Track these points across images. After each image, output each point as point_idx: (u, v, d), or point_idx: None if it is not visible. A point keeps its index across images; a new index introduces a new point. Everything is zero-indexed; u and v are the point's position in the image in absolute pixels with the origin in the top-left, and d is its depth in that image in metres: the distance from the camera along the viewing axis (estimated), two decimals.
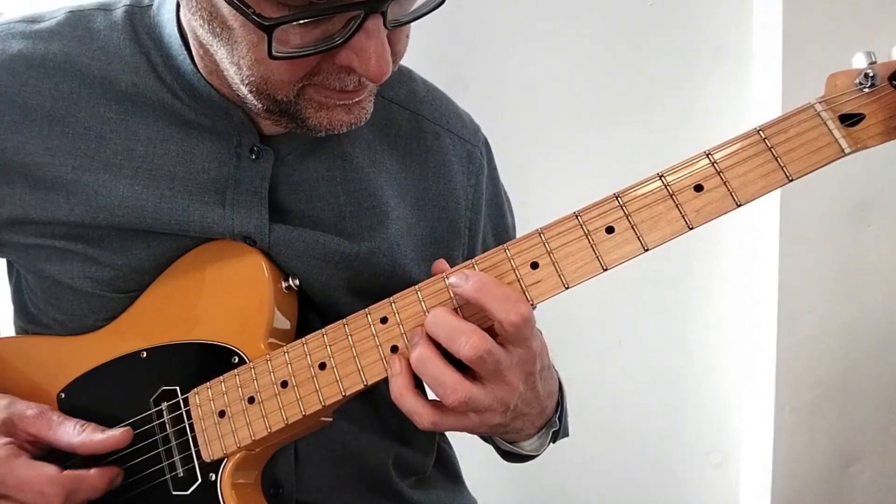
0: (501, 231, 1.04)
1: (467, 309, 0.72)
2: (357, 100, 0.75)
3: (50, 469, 0.77)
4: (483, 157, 1.00)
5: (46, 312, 0.89)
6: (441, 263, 0.78)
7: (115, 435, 0.81)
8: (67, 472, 0.77)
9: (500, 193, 1.05)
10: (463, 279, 0.69)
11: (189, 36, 0.81)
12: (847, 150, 0.67)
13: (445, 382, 0.69)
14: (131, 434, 0.82)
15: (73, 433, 0.80)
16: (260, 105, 0.75)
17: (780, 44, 1.64)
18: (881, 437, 1.86)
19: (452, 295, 0.72)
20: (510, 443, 0.86)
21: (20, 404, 0.82)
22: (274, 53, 0.65)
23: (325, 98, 0.74)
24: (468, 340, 0.67)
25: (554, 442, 0.90)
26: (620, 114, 1.76)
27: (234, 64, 0.71)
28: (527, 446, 0.86)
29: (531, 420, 0.81)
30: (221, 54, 0.72)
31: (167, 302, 0.86)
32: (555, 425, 0.87)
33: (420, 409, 0.72)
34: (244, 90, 0.74)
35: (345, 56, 0.68)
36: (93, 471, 0.79)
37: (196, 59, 0.82)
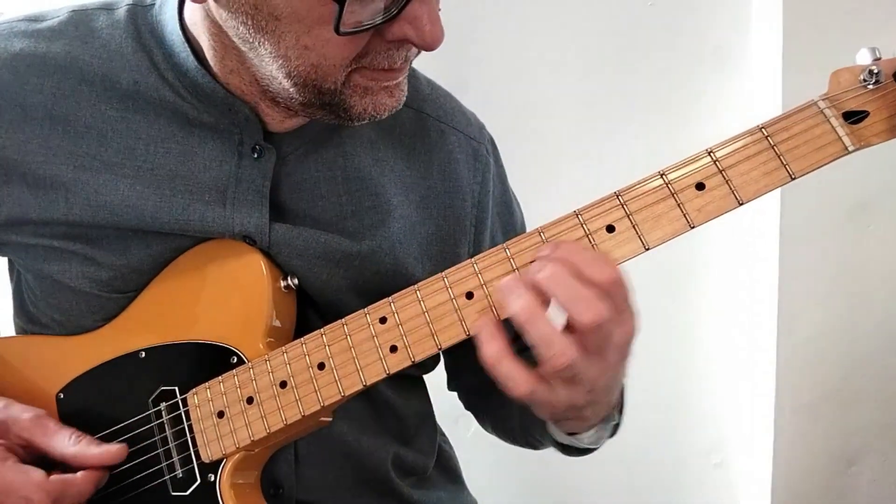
0: (510, 229, 1.03)
1: None
2: (397, 81, 0.76)
3: (37, 474, 0.76)
4: (489, 155, 1.00)
5: (45, 312, 0.89)
6: None
7: (109, 450, 0.80)
8: (54, 478, 0.77)
9: (508, 191, 1.04)
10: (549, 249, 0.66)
11: (205, 35, 0.80)
12: (851, 148, 0.66)
13: (555, 342, 0.63)
14: (126, 450, 0.81)
15: (68, 444, 0.80)
16: (300, 98, 0.75)
17: (780, 43, 1.64)
18: (881, 437, 1.86)
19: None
20: (569, 433, 0.82)
21: (16, 408, 0.81)
22: (342, 29, 0.66)
23: (371, 82, 0.74)
24: (593, 305, 0.63)
25: (611, 437, 0.86)
26: (620, 113, 1.76)
27: (280, 57, 0.71)
28: (585, 438, 0.82)
29: (600, 409, 0.76)
30: (264, 50, 0.71)
31: (166, 302, 0.86)
32: (614, 419, 0.83)
33: (519, 375, 0.66)
34: (286, 84, 0.73)
35: (398, 28, 0.69)
36: (79, 475, 0.79)
37: (210, 58, 0.81)
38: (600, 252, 0.67)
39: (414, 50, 0.74)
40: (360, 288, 0.88)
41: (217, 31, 0.77)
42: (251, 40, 0.72)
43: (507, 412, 0.97)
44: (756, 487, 1.85)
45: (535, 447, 0.96)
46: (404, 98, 0.79)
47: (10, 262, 0.96)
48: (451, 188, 0.94)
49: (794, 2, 1.64)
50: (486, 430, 1.09)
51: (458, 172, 0.95)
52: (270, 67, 0.73)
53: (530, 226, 1.04)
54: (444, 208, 0.94)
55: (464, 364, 1.04)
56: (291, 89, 0.74)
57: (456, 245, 0.95)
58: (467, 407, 1.10)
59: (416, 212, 0.92)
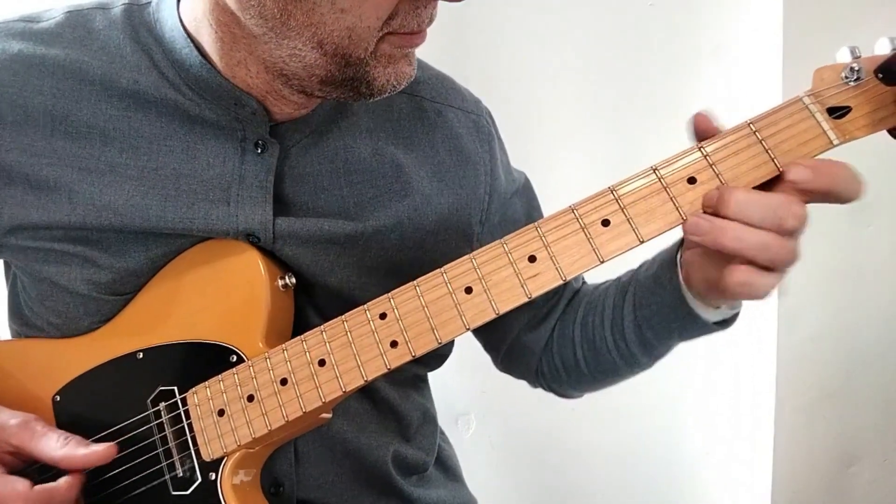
0: (517, 191, 1.03)
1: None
2: (415, 48, 0.78)
3: (20, 484, 0.75)
4: (490, 125, 1.01)
5: (41, 315, 0.89)
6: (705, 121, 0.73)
7: (97, 451, 0.79)
8: (38, 488, 0.76)
9: (507, 159, 1.05)
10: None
11: (210, 28, 0.79)
12: (835, 142, 0.68)
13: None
14: (115, 450, 0.80)
15: (56, 446, 0.79)
16: (323, 73, 0.75)
17: (779, 43, 1.65)
18: (881, 437, 1.86)
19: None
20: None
21: (4, 414, 0.80)
22: None
23: (396, 49, 0.75)
24: (794, 210, 0.66)
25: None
26: (620, 113, 1.77)
27: (311, 26, 0.71)
28: (725, 307, 0.82)
29: None
30: (294, 22, 0.71)
31: (163, 302, 0.86)
32: None
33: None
34: (312, 57, 0.74)
35: None
36: (62, 482, 0.78)
37: (214, 52, 0.81)
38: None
39: (436, 9, 0.75)
40: (367, 265, 0.89)
41: (227, 19, 0.76)
42: (278, 15, 0.71)
43: (599, 345, 0.94)
44: (756, 487, 1.85)
45: (645, 363, 0.93)
46: (416, 66, 0.81)
47: (6, 265, 0.96)
48: (460, 161, 0.95)
49: (794, 2, 1.64)
50: (565, 389, 1.04)
51: (464, 146, 0.96)
52: (296, 42, 0.73)
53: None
54: (459, 179, 0.95)
55: (510, 327, 1.01)
56: (318, 62, 0.74)
57: (470, 214, 0.95)
58: (537, 377, 1.05)
59: (431, 185, 0.93)
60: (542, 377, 1.04)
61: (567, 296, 1.01)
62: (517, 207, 1.01)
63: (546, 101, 1.76)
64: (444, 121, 0.96)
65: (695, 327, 0.83)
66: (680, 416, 1.88)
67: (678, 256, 0.81)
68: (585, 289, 1.02)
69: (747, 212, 0.66)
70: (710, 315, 0.82)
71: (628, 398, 1.85)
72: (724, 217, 0.67)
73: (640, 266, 0.89)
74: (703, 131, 0.72)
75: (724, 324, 0.84)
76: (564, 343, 0.98)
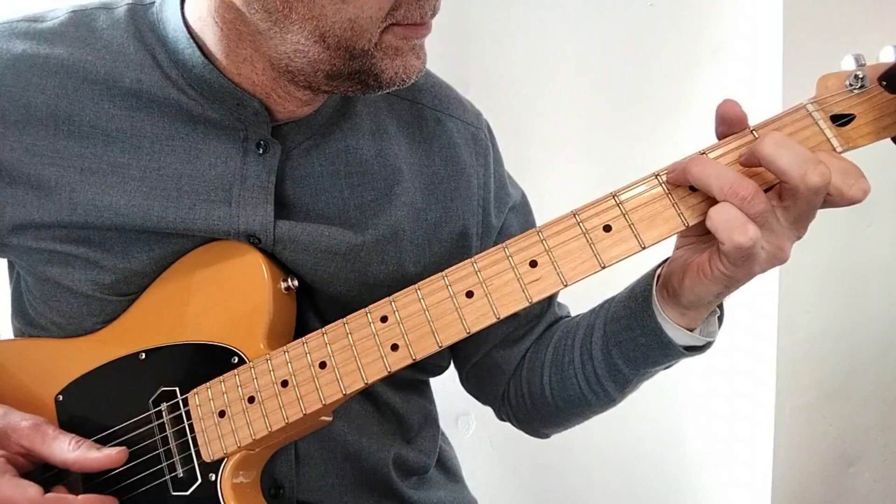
0: (513, 207, 1.03)
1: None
2: (422, 40, 0.78)
3: (32, 490, 0.75)
4: (487, 139, 1.00)
5: (44, 314, 0.89)
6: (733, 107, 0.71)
7: (109, 454, 0.80)
8: (50, 496, 0.76)
9: (504, 174, 1.05)
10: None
11: (214, 27, 0.79)
12: (839, 149, 0.68)
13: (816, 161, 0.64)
14: (127, 453, 0.81)
15: (68, 449, 0.79)
16: (328, 67, 0.76)
17: (780, 44, 1.64)
18: (881, 437, 1.86)
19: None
20: (690, 329, 0.81)
21: (15, 415, 0.81)
22: None
23: (401, 41, 0.76)
24: (820, 168, 0.63)
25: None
26: (620, 113, 1.77)
27: (313, 18, 0.72)
28: (699, 332, 0.81)
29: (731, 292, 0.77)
30: (296, 15, 0.72)
31: (166, 303, 0.86)
32: (717, 311, 0.83)
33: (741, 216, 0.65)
34: (315, 51, 0.74)
35: None
36: (80, 498, 0.78)
37: (218, 52, 0.81)
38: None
39: (439, 0, 0.76)
40: (369, 280, 0.89)
41: (233, 16, 0.77)
42: (280, 8, 0.72)
43: (566, 367, 0.92)
44: (756, 487, 1.85)
45: (610, 391, 0.91)
46: (426, 61, 0.81)
47: (10, 264, 0.96)
48: (455, 172, 0.95)
49: (794, 2, 1.64)
50: (530, 421, 1.02)
51: (460, 157, 0.96)
52: (298, 37, 0.73)
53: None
54: (451, 191, 0.94)
55: (484, 340, 1.00)
56: (322, 56, 0.74)
57: (465, 226, 0.95)
58: (503, 402, 1.03)
59: (422, 198, 0.93)
60: (507, 403, 1.03)
61: (548, 320, 1.00)
62: (512, 223, 1.01)
63: (546, 101, 1.75)
64: (442, 130, 0.96)
65: (660, 346, 0.82)
66: (680, 417, 1.88)
67: (658, 270, 0.81)
68: (567, 319, 1.01)
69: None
70: (679, 336, 0.80)
71: (629, 398, 1.85)
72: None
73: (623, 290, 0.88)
74: (731, 118, 0.70)
75: (697, 351, 0.83)
76: (534, 366, 0.97)
